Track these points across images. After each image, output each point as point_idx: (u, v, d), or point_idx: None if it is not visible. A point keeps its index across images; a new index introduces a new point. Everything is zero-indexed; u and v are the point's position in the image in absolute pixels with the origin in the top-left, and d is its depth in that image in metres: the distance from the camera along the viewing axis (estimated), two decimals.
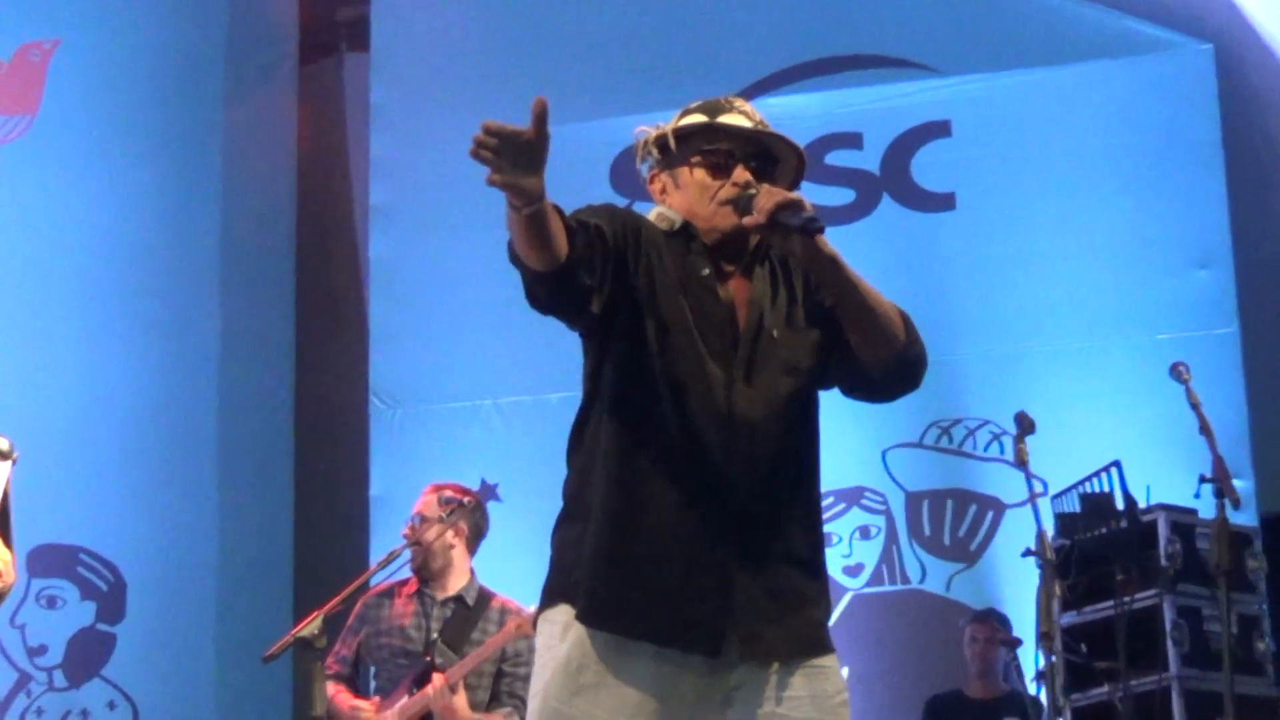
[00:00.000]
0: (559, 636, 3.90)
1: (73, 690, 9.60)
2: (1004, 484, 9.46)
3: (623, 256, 3.92)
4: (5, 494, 4.31)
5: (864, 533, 9.73)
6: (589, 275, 3.83)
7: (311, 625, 6.64)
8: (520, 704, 6.91)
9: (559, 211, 3.75)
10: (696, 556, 3.87)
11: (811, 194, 9.41)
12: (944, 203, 10.02)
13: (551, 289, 3.82)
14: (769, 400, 3.96)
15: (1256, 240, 9.76)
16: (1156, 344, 9.20)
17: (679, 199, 4.08)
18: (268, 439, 10.25)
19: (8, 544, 4.21)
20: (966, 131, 10.05)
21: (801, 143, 4.18)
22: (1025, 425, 7.21)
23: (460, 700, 6.74)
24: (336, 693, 6.96)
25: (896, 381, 4.09)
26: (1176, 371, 6.72)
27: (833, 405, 4.31)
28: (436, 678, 6.76)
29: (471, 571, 7.20)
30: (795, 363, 4.03)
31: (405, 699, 6.82)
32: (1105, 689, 7.97)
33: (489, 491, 9.63)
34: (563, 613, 3.92)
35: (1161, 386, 7.79)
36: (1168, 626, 8.00)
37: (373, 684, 7.19)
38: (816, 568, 4.05)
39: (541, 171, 3.59)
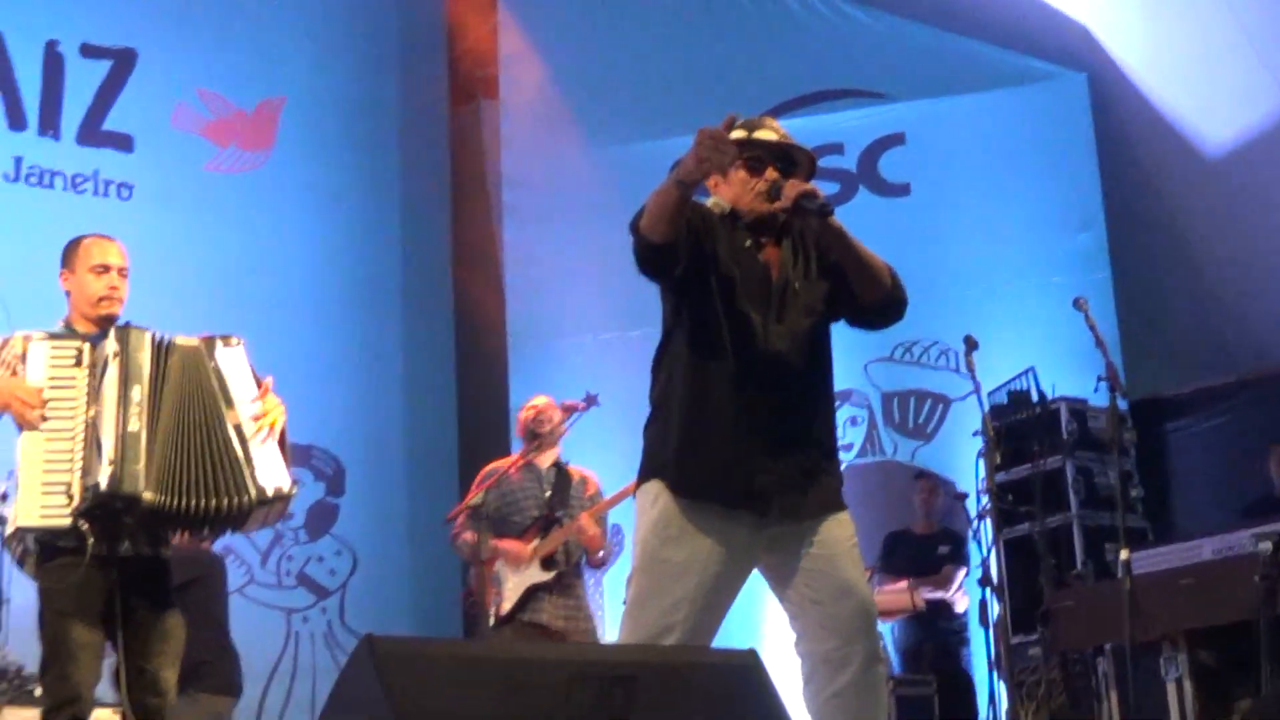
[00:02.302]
0: (651, 504, 3.82)
1: (311, 543, 9.55)
2: (950, 385, 9.39)
3: (697, 236, 3.81)
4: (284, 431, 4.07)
5: (853, 421, 9.57)
6: (683, 248, 3.73)
7: (478, 496, 6.64)
8: None
9: None
10: (749, 445, 3.78)
11: None
12: (902, 191, 9.86)
13: (660, 257, 3.71)
14: (794, 333, 3.87)
15: (1121, 213, 9.64)
16: (1054, 285, 9.10)
17: (727, 191, 3.97)
18: (436, 367, 10.12)
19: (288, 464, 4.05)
20: (916, 140, 9.89)
21: None
22: (971, 344, 7.10)
23: (598, 530, 6.66)
24: (480, 538, 6.82)
25: (887, 315, 4.00)
26: (1078, 304, 6.52)
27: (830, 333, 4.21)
28: (583, 516, 6.61)
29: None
30: (812, 306, 3.93)
31: (537, 541, 6.67)
32: (1026, 526, 7.87)
33: (592, 400, 9.52)
34: (655, 486, 3.83)
35: (1058, 315, 7.65)
36: (1069, 481, 7.95)
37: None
38: (832, 450, 3.98)
39: None
